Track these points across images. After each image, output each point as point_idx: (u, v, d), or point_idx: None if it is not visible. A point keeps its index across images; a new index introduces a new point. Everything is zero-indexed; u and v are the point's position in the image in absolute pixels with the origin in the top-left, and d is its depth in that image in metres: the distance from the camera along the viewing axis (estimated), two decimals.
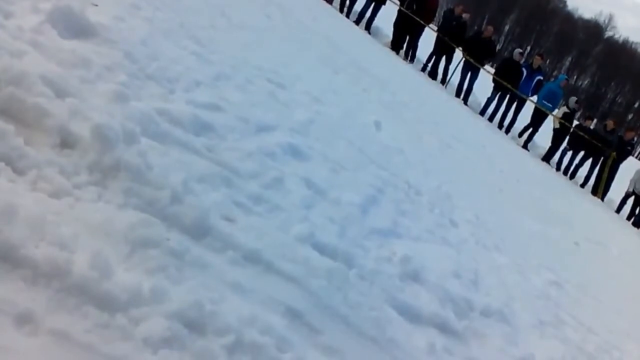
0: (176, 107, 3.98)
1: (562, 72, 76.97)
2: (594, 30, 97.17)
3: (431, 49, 16.84)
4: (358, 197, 4.60)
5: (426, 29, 16.68)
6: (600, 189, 16.79)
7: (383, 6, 16.79)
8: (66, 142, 2.87)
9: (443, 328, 3.67)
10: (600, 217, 14.12)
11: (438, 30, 16.77)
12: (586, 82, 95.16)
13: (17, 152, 2.56)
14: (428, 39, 16.92)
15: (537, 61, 17.15)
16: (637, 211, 16.41)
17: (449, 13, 17.15)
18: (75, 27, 4.01)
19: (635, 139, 19.11)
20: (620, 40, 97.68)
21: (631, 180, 16.57)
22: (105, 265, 2.18)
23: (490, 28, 17.88)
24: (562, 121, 16.56)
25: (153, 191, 2.88)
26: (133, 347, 2.02)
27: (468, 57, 16.40)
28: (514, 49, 18.00)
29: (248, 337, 2.37)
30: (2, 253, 2.03)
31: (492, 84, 16.75)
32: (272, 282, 2.92)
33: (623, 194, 16.77)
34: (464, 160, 9.47)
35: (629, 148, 17.13)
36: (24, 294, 1.98)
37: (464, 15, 16.73)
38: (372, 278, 3.55)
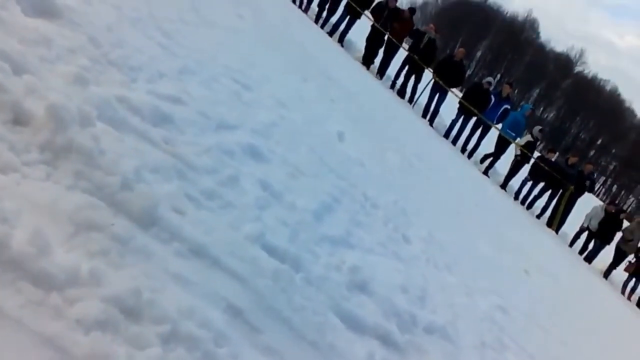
0: (136, 95, 3.95)
1: (530, 102, 77.82)
2: (564, 63, 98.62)
3: (399, 66, 16.90)
4: (313, 204, 4.60)
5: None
6: (556, 222, 16.88)
7: (358, 20, 16.84)
8: (19, 119, 2.83)
9: (385, 340, 3.66)
10: (553, 249, 14.25)
11: (409, 50, 16.83)
12: (552, 114, 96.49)
13: None
14: (397, 56, 16.99)
15: (506, 89, 17.16)
16: (589, 246, 16.63)
17: (418, 32, 17.18)
18: (40, 5, 3.96)
19: (595, 174, 19.28)
20: (589, 75, 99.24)
21: (587, 216, 16.76)
22: (44, 243, 2.15)
23: (462, 50, 17.91)
24: (524, 150, 16.72)
25: (103, 176, 2.84)
26: (65, 326, 1.99)
27: (437, 79, 16.45)
28: (484, 75, 18.19)
29: (185, 329, 2.34)
30: None
31: (458, 106, 16.83)
32: (216, 278, 2.90)
33: (578, 229, 16.98)
34: (424, 179, 9.51)
35: (588, 183, 17.29)
36: None
37: (435, 35, 16.78)
38: (319, 284, 3.55)
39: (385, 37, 16.53)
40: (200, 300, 2.64)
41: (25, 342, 1.88)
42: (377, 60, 17.10)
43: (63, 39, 3.86)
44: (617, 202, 29.06)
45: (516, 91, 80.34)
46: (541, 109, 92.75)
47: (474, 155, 17.08)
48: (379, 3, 16.62)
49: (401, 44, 16.83)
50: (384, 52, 16.83)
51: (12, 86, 2.93)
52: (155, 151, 3.55)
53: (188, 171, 3.61)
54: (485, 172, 16.81)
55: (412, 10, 17.52)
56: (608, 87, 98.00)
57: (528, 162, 17.07)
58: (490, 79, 17.82)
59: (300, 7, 17.50)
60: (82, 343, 1.97)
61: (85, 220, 2.51)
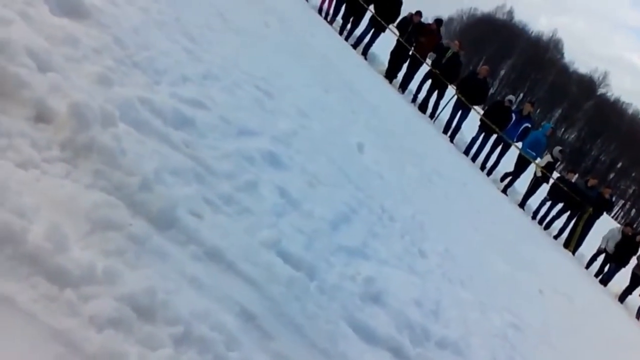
0: (160, 98, 3.96)
1: (551, 122, 77.24)
2: (587, 85, 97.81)
3: (420, 80, 16.86)
4: (331, 213, 4.59)
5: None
6: (573, 243, 16.66)
7: (382, 34, 16.87)
8: (42, 116, 2.85)
9: (396, 352, 3.64)
10: (569, 270, 14.11)
11: (432, 65, 16.79)
12: (573, 135, 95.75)
13: None
14: (420, 71, 16.95)
15: (527, 108, 17.07)
16: (605, 269, 16.47)
17: (442, 46, 17.07)
18: (67, 5, 3.99)
19: (614, 197, 19.17)
20: (612, 98, 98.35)
21: (604, 238, 16.62)
22: (61, 239, 2.15)
23: (486, 68, 17.79)
24: (544, 171, 16.59)
25: (123, 176, 2.85)
26: (78, 323, 1.99)
27: (460, 96, 16.36)
28: (507, 94, 18.02)
29: (197, 331, 2.34)
30: None
31: (479, 124, 16.74)
32: (230, 282, 2.89)
33: (595, 251, 16.81)
34: (443, 195, 9.46)
35: (607, 206, 17.15)
36: None
37: (459, 51, 16.73)
38: (332, 293, 3.53)
39: (410, 52, 16.48)
40: (214, 303, 2.64)
41: (37, 336, 1.88)
42: (400, 75, 17.07)
43: (89, 39, 3.88)
44: (634, 225, 28.76)
45: (538, 111, 79.93)
46: (562, 129, 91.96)
47: (493, 172, 16.99)
48: (404, 18, 16.65)
49: (425, 59, 16.81)
50: (408, 67, 16.81)
51: (37, 83, 2.95)
52: (175, 154, 3.56)
53: (207, 175, 3.61)
54: (504, 191, 16.69)
55: (438, 21, 17.40)
56: (630, 111, 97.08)
57: (547, 182, 16.91)
58: (511, 97, 17.71)
59: (325, 18, 17.52)
60: (94, 340, 1.97)
61: (103, 219, 2.51)
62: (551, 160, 16.90)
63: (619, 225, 17.98)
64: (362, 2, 16.30)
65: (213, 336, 2.38)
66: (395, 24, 16.76)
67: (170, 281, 2.52)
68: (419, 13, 16.60)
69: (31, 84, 2.89)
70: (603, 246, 16.51)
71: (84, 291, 2.10)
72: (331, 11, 17.59)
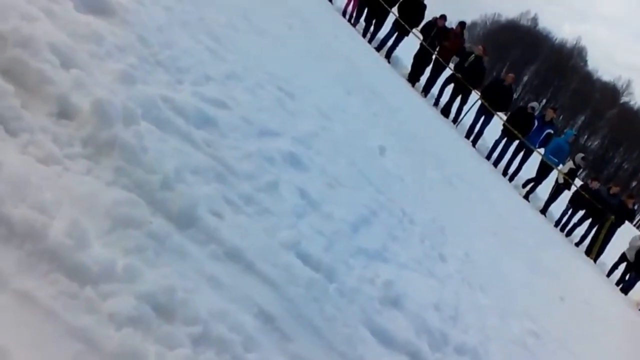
0: (182, 97, 3.96)
1: (574, 129, 76.64)
2: (610, 93, 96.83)
3: (442, 83, 16.80)
4: (351, 215, 4.56)
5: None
6: (595, 250, 16.48)
7: (406, 37, 16.79)
8: (64, 112, 2.85)
9: (415, 357, 3.61)
10: (590, 278, 13.95)
11: (454, 68, 16.73)
12: (596, 143, 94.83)
13: (12, 113, 2.53)
14: (443, 75, 16.88)
15: (549, 114, 16.93)
16: (627, 277, 16.29)
17: (464, 51, 16.94)
18: (92, 2, 4.00)
19: (636, 205, 18.87)
20: (635, 107, 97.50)
21: (632, 246, 16.40)
22: (82, 235, 2.15)
23: (512, 75, 17.70)
24: (567, 177, 16.46)
25: (144, 174, 2.85)
26: (97, 320, 1.98)
27: (484, 102, 16.24)
28: (530, 100, 17.91)
29: (216, 331, 2.33)
30: None
31: (501, 129, 16.62)
32: (249, 282, 2.88)
33: (616, 259, 16.62)
34: (464, 199, 9.40)
35: (629, 214, 16.96)
36: None
37: (485, 58, 16.61)
38: (351, 296, 3.50)
39: (433, 57, 16.43)
40: (233, 303, 2.62)
41: (56, 333, 1.88)
42: (423, 78, 17.00)
43: (113, 37, 3.89)
44: None
45: (560, 117, 79.19)
46: (585, 137, 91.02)
47: (515, 178, 16.87)
48: (428, 22, 16.60)
49: (448, 62, 16.74)
50: (431, 71, 16.75)
51: (59, 79, 2.95)
52: (196, 153, 3.55)
53: (228, 175, 3.60)
54: (526, 197, 16.60)
55: (462, 24, 17.27)
56: None
57: (569, 189, 16.81)
58: (535, 103, 17.59)
59: (349, 20, 17.46)
60: (113, 338, 1.95)
61: (123, 217, 2.50)
62: (573, 167, 16.79)
63: None
64: (384, 5, 16.25)
65: (231, 337, 2.36)
66: (419, 28, 16.69)
67: (189, 280, 2.51)
68: (443, 17, 16.52)
69: (54, 80, 2.90)
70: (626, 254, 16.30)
71: (104, 289, 2.10)
72: (355, 13, 17.53)
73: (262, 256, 3.08)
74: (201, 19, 5.79)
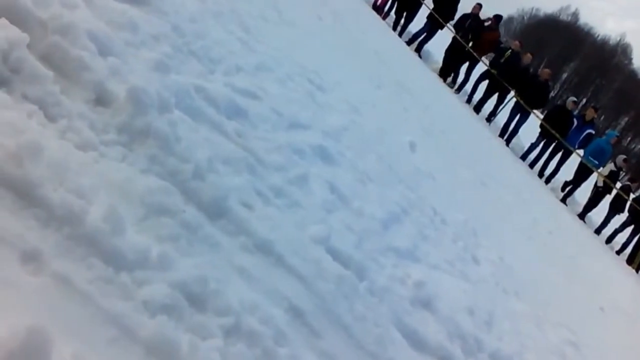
0: (214, 87, 3.96)
1: (616, 130, 74.96)
2: None
3: (476, 80, 16.47)
4: (381, 212, 4.52)
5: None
6: (637, 260, 15.55)
7: (440, 31, 16.40)
8: (101, 99, 2.86)
9: None
10: (632, 288, 13.33)
11: (490, 64, 16.37)
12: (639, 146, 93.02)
13: (52, 99, 2.55)
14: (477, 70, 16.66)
15: (590, 113, 16.20)
16: None
17: (500, 46, 16.60)
18: None
19: None
20: None
21: None
22: (118, 221, 2.16)
23: (548, 71, 17.07)
24: (607, 181, 15.67)
25: (177, 163, 2.85)
26: (132, 307, 1.99)
27: (519, 99, 15.72)
28: (568, 98, 17.14)
29: (247, 324, 2.32)
30: (20, 189, 2.01)
31: (539, 130, 16.09)
32: (279, 275, 2.87)
33: None
34: (497, 200, 9.24)
35: None
36: (35, 233, 1.96)
37: (524, 58, 16.18)
38: (382, 295, 3.47)
39: (466, 49, 15.99)
40: (263, 296, 2.62)
41: (92, 317, 1.88)
42: (458, 75, 16.73)
43: (149, 26, 3.90)
44: None
45: (602, 118, 77.47)
46: (628, 139, 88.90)
47: (552, 180, 16.32)
48: (463, 14, 16.28)
49: (482, 56, 16.36)
50: (463, 64, 16.42)
51: (97, 66, 2.97)
52: (227, 143, 3.55)
53: (258, 166, 3.60)
54: (564, 200, 15.99)
55: (498, 17, 16.76)
56: None
57: (610, 193, 16.03)
58: (574, 98, 17.06)
59: (379, 13, 17.28)
60: (147, 325, 1.96)
61: (157, 204, 2.52)
62: (614, 169, 16.06)
63: None
64: None
65: (262, 330, 2.36)
66: (454, 22, 16.40)
67: (220, 271, 2.51)
68: (479, 5, 16.18)
69: (92, 67, 2.91)
70: None
71: (139, 275, 2.10)
72: (385, 8, 17.38)
73: (291, 250, 3.07)
74: (233, 10, 5.79)
